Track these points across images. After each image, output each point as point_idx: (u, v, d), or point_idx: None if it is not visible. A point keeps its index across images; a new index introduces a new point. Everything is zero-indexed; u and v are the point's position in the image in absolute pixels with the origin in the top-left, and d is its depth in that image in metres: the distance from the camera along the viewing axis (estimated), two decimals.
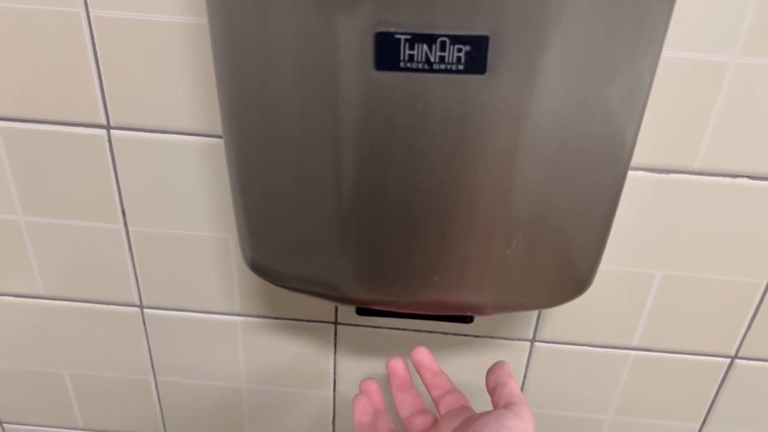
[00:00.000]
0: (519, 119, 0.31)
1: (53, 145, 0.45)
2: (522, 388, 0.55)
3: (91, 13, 0.40)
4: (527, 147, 0.32)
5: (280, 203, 0.36)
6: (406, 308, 0.39)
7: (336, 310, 0.52)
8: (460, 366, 0.54)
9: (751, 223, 0.45)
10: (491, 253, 0.35)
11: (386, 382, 0.41)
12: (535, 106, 0.30)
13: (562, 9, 0.28)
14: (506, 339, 0.53)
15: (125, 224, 0.49)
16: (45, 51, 0.41)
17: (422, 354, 0.40)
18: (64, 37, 0.41)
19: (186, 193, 0.47)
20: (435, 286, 0.36)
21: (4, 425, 0.64)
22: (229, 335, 0.54)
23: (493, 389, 0.37)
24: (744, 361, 0.52)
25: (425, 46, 0.29)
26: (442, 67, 0.29)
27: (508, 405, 0.35)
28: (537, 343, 0.53)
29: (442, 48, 0.29)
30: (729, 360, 0.52)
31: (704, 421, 0.56)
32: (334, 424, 0.60)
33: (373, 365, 0.55)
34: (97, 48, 0.41)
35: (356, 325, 0.53)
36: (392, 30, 0.28)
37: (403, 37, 0.28)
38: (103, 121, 0.44)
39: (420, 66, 0.29)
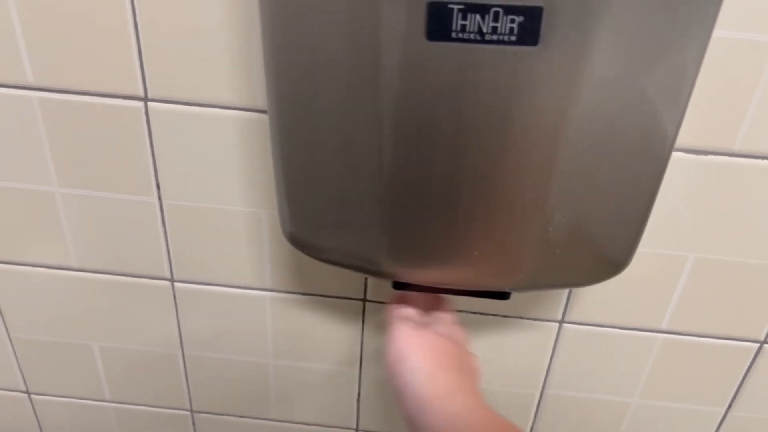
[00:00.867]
0: (569, 93, 0.31)
1: (90, 117, 0.45)
2: (548, 369, 0.55)
3: None
4: (575, 122, 0.32)
5: (323, 176, 0.36)
6: (444, 283, 0.39)
7: (365, 287, 0.52)
8: (488, 344, 0.54)
9: None
10: (533, 229, 0.35)
11: None
12: (585, 81, 0.30)
13: None
14: (535, 320, 0.53)
15: (159, 197, 0.49)
16: (85, 22, 0.41)
17: None
18: (104, 8, 0.41)
19: (221, 167, 0.47)
20: (474, 261, 0.36)
21: (32, 396, 0.64)
22: (258, 310, 0.55)
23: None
24: None
25: (478, 16, 0.28)
26: (494, 38, 0.29)
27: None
28: (565, 325, 0.53)
29: (495, 18, 0.28)
30: (758, 345, 0.52)
31: (729, 406, 0.56)
32: (358, 402, 0.60)
33: None
34: (137, 19, 0.41)
35: (385, 303, 0.53)
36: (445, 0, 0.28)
37: (456, 6, 0.28)
38: (141, 93, 0.44)
39: (472, 36, 0.29)
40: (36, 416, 0.66)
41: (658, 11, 0.29)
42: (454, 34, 0.29)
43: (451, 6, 0.28)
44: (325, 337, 0.56)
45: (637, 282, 0.50)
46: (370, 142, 0.33)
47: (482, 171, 0.33)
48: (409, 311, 0.42)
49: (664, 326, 0.52)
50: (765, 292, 0.49)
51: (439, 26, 0.29)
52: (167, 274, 0.53)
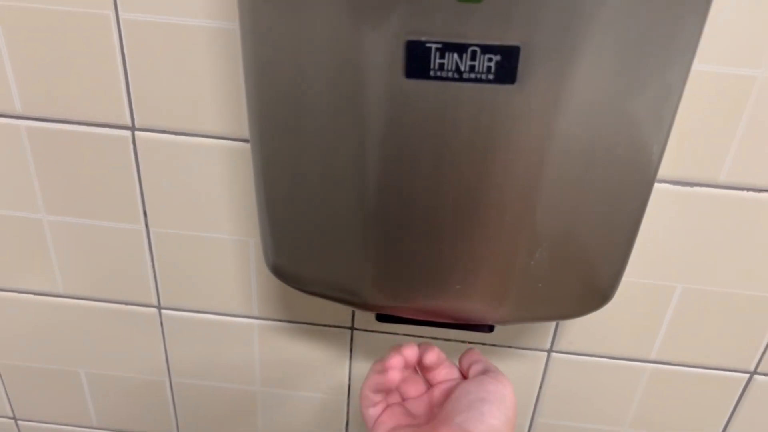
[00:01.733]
0: (547, 130, 0.31)
1: (78, 145, 0.45)
2: (538, 399, 0.55)
3: (120, 16, 0.40)
4: (554, 157, 0.32)
5: (305, 207, 0.36)
6: (427, 316, 0.39)
7: (353, 316, 0.52)
8: None
9: None
10: (515, 262, 0.35)
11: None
12: (563, 117, 0.30)
13: (594, 21, 0.28)
14: (523, 349, 0.52)
15: (146, 225, 0.49)
16: (74, 52, 0.42)
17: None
18: (93, 39, 0.41)
19: (207, 195, 0.47)
20: (457, 294, 0.36)
21: (19, 422, 0.64)
22: (246, 338, 0.54)
23: (467, 368, 0.39)
24: (763, 377, 0.51)
25: (456, 56, 0.29)
26: (472, 76, 0.29)
27: (485, 372, 0.37)
28: (554, 354, 0.52)
29: (473, 57, 0.29)
30: (748, 375, 0.51)
31: None
32: (347, 429, 0.60)
33: None
34: (125, 50, 0.41)
35: (372, 331, 0.53)
36: (423, 39, 0.28)
37: (434, 45, 0.28)
38: (129, 123, 0.44)
39: (450, 75, 0.29)
40: None
41: (634, 48, 0.29)
42: (432, 73, 0.29)
43: (429, 45, 0.29)
44: (313, 365, 0.55)
45: (625, 312, 0.49)
46: (351, 176, 0.33)
47: (463, 205, 0.33)
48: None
49: (653, 356, 0.51)
50: (754, 323, 0.49)
51: (417, 65, 0.29)
52: (154, 302, 0.53)
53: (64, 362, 0.58)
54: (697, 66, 0.39)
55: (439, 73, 0.29)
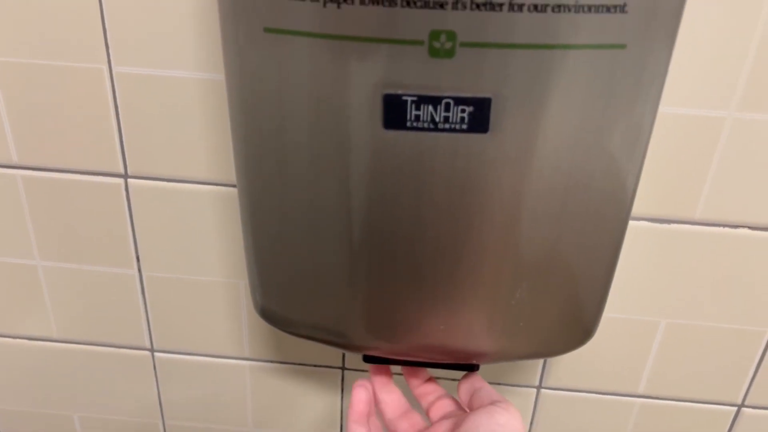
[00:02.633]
0: (520, 175, 0.32)
1: (72, 193, 0.47)
2: None
3: (113, 70, 0.42)
4: (529, 201, 0.33)
5: (291, 251, 0.37)
6: (413, 356, 0.40)
7: (343, 356, 0.53)
8: None
9: (753, 273, 0.45)
10: (496, 303, 0.36)
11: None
12: (535, 163, 0.32)
13: (561, 74, 0.29)
14: (512, 386, 0.53)
15: (139, 269, 0.50)
16: (69, 104, 0.43)
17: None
18: (87, 91, 0.43)
19: (199, 239, 0.48)
20: (441, 334, 0.37)
21: None
22: (238, 379, 0.55)
23: (470, 396, 0.38)
24: (751, 410, 0.52)
25: (430, 107, 0.30)
26: (447, 126, 0.30)
27: (494, 402, 0.36)
28: (543, 390, 0.53)
29: (447, 109, 0.30)
30: (736, 408, 0.52)
31: None
32: None
33: None
34: (118, 101, 0.43)
35: (363, 371, 0.53)
36: (400, 92, 0.30)
37: (409, 98, 0.30)
38: (121, 171, 0.46)
39: (425, 125, 0.30)
40: None
41: (601, 95, 0.31)
42: (408, 123, 0.31)
43: (405, 98, 0.30)
44: (305, 406, 0.56)
45: (612, 347, 0.50)
46: (335, 222, 0.35)
47: (443, 249, 0.34)
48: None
49: (641, 391, 0.52)
50: (739, 356, 0.49)
51: (394, 116, 0.30)
52: (147, 344, 0.54)
53: (57, 406, 0.59)
54: (669, 108, 0.40)
55: (415, 124, 0.31)
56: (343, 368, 0.53)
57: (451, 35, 0.28)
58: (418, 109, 0.30)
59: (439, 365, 0.41)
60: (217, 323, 0.52)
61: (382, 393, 0.40)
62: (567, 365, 0.51)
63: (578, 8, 0.28)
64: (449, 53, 0.29)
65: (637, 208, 0.44)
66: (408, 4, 0.28)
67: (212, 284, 0.50)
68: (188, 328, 0.53)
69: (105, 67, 0.42)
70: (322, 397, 0.55)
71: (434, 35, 0.28)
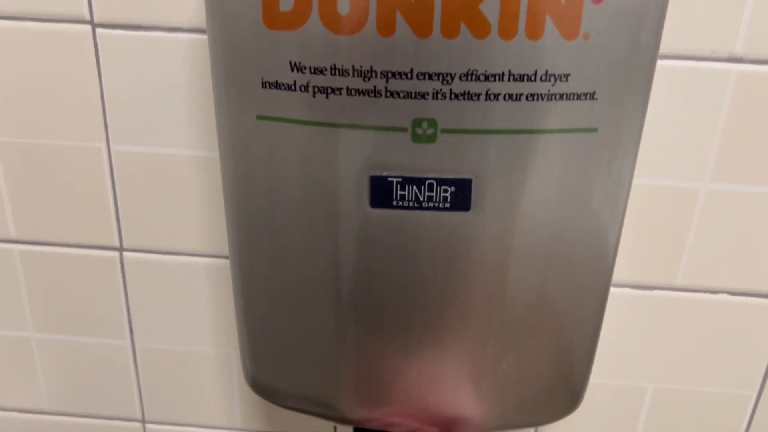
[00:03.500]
0: (502, 249, 0.33)
1: (68, 266, 0.48)
2: None
3: (111, 148, 0.43)
4: (512, 273, 0.34)
5: (281, 325, 0.38)
6: (402, 428, 0.40)
7: (335, 428, 0.53)
8: None
9: (734, 336, 0.46)
10: (483, 373, 0.37)
11: None
12: (516, 238, 0.33)
13: (537, 156, 0.31)
14: None
15: (132, 340, 0.50)
16: (67, 181, 0.45)
17: None
18: (86, 168, 0.44)
19: (191, 310, 0.49)
20: (430, 406, 0.38)
21: None
22: None
23: None
24: None
25: (415, 188, 0.32)
26: (431, 205, 0.32)
27: None
28: None
29: (430, 189, 0.32)
30: None
31: None
32: None
33: None
34: (115, 178, 0.44)
35: None
36: (385, 174, 0.31)
37: (395, 180, 0.32)
38: (117, 244, 0.47)
39: (410, 204, 0.32)
40: None
41: (577, 173, 0.32)
42: (394, 203, 0.32)
43: (390, 179, 0.32)
44: None
45: (602, 413, 0.50)
46: (325, 295, 0.36)
47: (430, 322, 0.35)
48: None
49: None
50: (726, 419, 0.50)
51: (380, 196, 0.32)
52: (139, 416, 0.54)
53: None
54: (646, 180, 0.42)
55: (400, 203, 0.32)
56: None
57: (432, 123, 0.30)
58: (403, 189, 0.32)
59: None
60: (208, 393, 0.52)
61: None
62: (556, 430, 0.52)
63: (551, 96, 0.30)
64: (431, 138, 0.30)
65: (620, 276, 0.45)
66: (392, 94, 0.30)
67: (204, 354, 0.50)
68: (180, 399, 0.53)
69: (104, 146, 0.43)
70: None
71: (417, 123, 0.30)
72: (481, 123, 0.30)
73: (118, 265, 0.47)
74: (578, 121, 0.31)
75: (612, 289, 0.45)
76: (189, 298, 0.48)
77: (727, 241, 0.44)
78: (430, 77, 0.29)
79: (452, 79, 0.29)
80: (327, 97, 0.30)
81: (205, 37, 0.40)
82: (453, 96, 0.29)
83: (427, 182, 0.31)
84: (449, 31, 0.28)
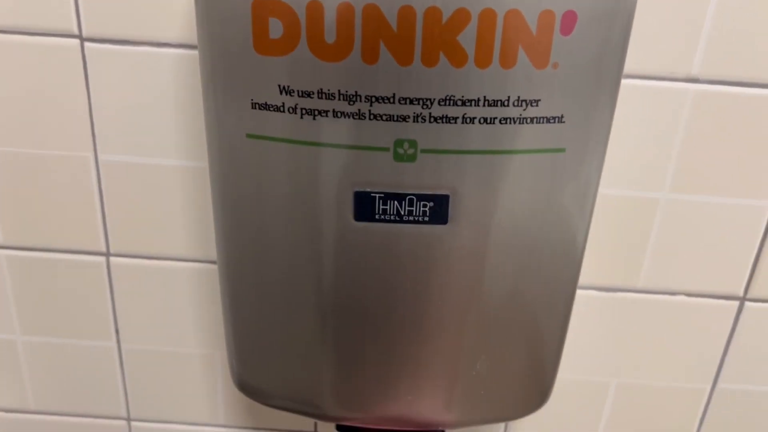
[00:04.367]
0: (477, 260, 0.36)
1: (55, 271, 0.49)
2: None
3: (99, 158, 0.45)
4: (486, 282, 0.37)
5: (268, 328, 0.40)
6: (383, 425, 0.42)
7: (315, 424, 0.55)
8: None
9: (691, 335, 0.50)
10: (458, 375, 0.39)
11: None
12: (490, 249, 0.36)
13: (509, 174, 0.33)
14: None
15: (118, 341, 0.52)
16: (55, 188, 0.46)
17: None
18: (73, 177, 0.45)
19: (177, 313, 0.50)
20: (408, 405, 0.40)
21: None
22: None
23: None
24: None
25: (396, 203, 0.34)
26: (411, 218, 0.34)
27: None
28: None
29: (411, 204, 0.34)
30: None
31: None
32: None
33: None
34: (102, 186, 0.46)
35: None
36: (368, 189, 0.34)
37: (377, 195, 0.34)
38: (104, 249, 0.48)
39: (392, 218, 0.34)
40: None
41: (547, 190, 0.35)
42: (377, 216, 0.34)
43: (373, 195, 0.34)
44: None
45: (569, 406, 0.53)
46: (309, 302, 0.38)
47: (409, 327, 0.37)
48: None
49: None
50: (685, 413, 0.53)
51: (364, 210, 0.34)
52: (124, 414, 0.55)
53: None
54: (610, 191, 0.45)
55: (382, 217, 0.34)
56: None
57: (413, 143, 0.32)
58: (385, 204, 0.34)
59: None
60: (192, 392, 0.54)
61: None
62: (528, 424, 0.55)
63: (522, 120, 0.32)
64: (411, 158, 0.33)
65: (586, 279, 0.48)
66: (375, 117, 0.32)
67: (188, 355, 0.52)
68: (165, 397, 0.54)
69: (91, 155, 0.45)
70: None
71: (398, 143, 0.32)
72: (458, 144, 0.32)
73: (105, 270, 0.49)
74: (547, 142, 0.33)
75: (578, 291, 0.48)
76: (174, 301, 0.50)
77: (684, 247, 0.47)
78: (411, 102, 0.31)
79: (431, 103, 0.31)
80: (314, 119, 0.32)
81: (192, 52, 0.41)
82: (432, 119, 0.32)
83: (407, 198, 0.34)
84: (429, 60, 0.30)
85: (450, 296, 0.37)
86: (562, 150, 0.34)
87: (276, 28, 0.31)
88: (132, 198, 0.46)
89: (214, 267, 0.48)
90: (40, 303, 0.50)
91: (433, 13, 0.30)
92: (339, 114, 0.32)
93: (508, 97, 0.31)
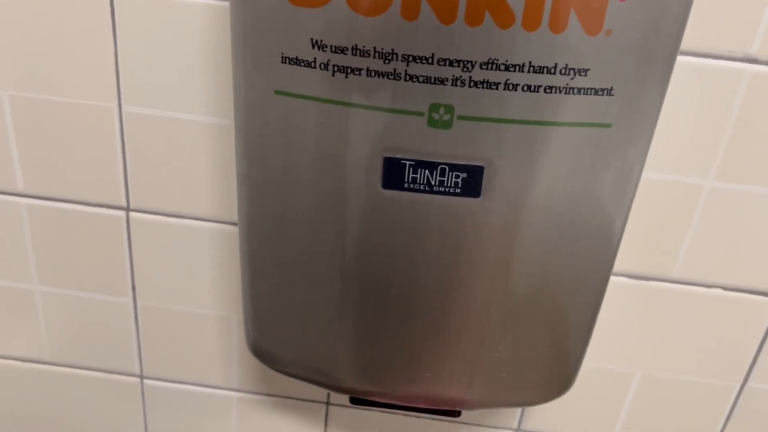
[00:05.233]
0: (508, 237, 0.34)
1: (74, 223, 0.48)
2: None
3: (123, 109, 0.43)
4: (516, 260, 0.35)
5: (286, 292, 0.39)
6: (398, 400, 0.41)
7: (328, 393, 0.54)
8: None
9: (724, 330, 0.48)
10: (480, 354, 0.38)
11: None
12: (522, 227, 0.34)
13: (550, 148, 0.31)
14: (492, 427, 0.54)
15: (134, 299, 0.51)
16: (77, 139, 0.45)
17: None
18: (96, 128, 0.44)
19: (195, 273, 0.49)
20: (426, 382, 0.39)
21: None
22: (224, 410, 0.56)
23: None
24: None
25: (427, 172, 0.32)
26: (441, 189, 0.32)
27: None
28: None
29: (442, 174, 0.32)
30: None
31: None
32: None
33: None
34: (125, 139, 0.45)
35: (347, 407, 0.54)
36: (399, 156, 0.32)
37: (407, 162, 0.32)
38: (124, 204, 0.47)
39: (421, 188, 0.32)
40: None
41: (588, 165, 0.33)
42: (406, 185, 0.33)
43: (403, 162, 0.32)
44: None
45: (589, 395, 0.52)
46: (331, 269, 0.36)
47: (432, 301, 0.36)
48: None
49: None
50: (709, 409, 0.51)
51: (393, 178, 0.32)
52: (137, 371, 0.55)
53: (43, 429, 0.59)
54: (652, 175, 0.43)
55: (412, 186, 0.33)
56: (327, 403, 0.55)
57: (450, 108, 0.30)
58: (415, 172, 0.32)
59: (422, 410, 0.43)
60: (207, 354, 0.53)
61: None
62: (545, 410, 0.53)
63: (569, 90, 0.30)
64: (447, 124, 0.31)
65: (618, 265, 0.46)
66: (411, 78, 0.30)
67: (204, 316, 0.51)
68: (179, 357, 0.54)
69: (115, 106, 0.43)
70: (305, 430, 0.56)
71: (434, 108, 0.30)
72: (498, 112, 0.30)
73: (124, 225, 0.48)
74: (593, 115, 0.31)
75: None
76: (192, 260, 0.49)
77: (725, 239, 0.44)
78: (451, 63, 0.29)
79: (472, 66, 0.29)
80: (346, 77, 0.30)
81: (223, 4, 0.40)
82: (472, 83, 0.30)
83: (439, 167, 0.32)
84: (473, 19, 0.28)
85: (477, 274, 0.35)
86: (608, 125, 0.31)
87: None
88: (155, 152, 0.45)
89: (236, 229, 0.47)
90: (58, 254, 0.50)
91: None
92: (373, 73, 0.30)
93: (555, 64, 0.29)
